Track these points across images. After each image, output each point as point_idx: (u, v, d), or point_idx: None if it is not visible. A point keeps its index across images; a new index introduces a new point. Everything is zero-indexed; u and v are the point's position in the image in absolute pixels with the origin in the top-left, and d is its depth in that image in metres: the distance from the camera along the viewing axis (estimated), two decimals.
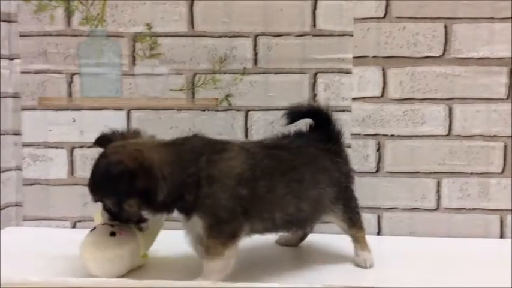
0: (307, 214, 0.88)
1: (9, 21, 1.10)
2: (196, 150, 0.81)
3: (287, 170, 0.85)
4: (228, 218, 0.79)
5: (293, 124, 0.96)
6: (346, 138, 1.09)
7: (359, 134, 1.12)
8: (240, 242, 0.82)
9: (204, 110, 1.12)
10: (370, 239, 1.09)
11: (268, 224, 0.85)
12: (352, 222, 0.94)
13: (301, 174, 0.86)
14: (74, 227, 1.14)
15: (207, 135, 0.86)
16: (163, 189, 0.78)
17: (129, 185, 0.76)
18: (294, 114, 0.96)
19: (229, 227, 0.80)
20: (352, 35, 1.09)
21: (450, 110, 1.11)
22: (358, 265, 0.93)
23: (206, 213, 0.79)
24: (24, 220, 1.15)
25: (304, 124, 0.97)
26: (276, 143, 0.91)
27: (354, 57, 1.10)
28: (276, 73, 1.11)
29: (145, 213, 0.81)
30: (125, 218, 0.83)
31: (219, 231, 0.79)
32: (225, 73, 1.11)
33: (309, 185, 0.86)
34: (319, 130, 0.95)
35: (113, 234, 0.83)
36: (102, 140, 0.85)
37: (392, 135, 1.11)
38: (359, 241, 0.95)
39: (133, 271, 0.87)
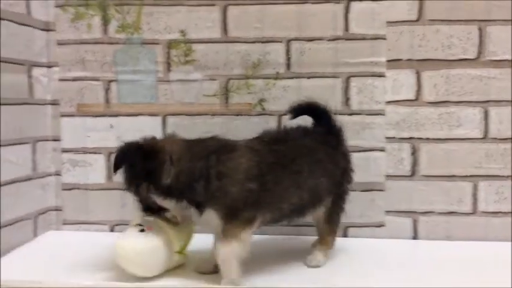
0: (308, 203, 0.92)
1: (48, 30, 1.13)
2: (209, 149, 0.86)
3: (288, 162, 0.90)
4: (241, 207, 0.84)
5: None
6: (380, 142, 1.12)
7: (393, 138, 1.11)
8: (254, 230, 0.86)
9: (237, 115, 1.14)
10: (406, 244, 1.11)
11: (276, 214, 0.90)
12: (330, 222, 0.98)
13: (300, 165, 0.90)
14: (112, 230, 1.16)
15: (224, 137, 0.90)
16: (169, 172, 0.83)
17: (139, 164, 0.83)
18: (296, 110, 1.00)
19: (244, 214, 0.84)
20: (385, 38, 1.09)
21: (486, 113, 1.09)
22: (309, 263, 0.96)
23: (219, 204, 0.84)
24: (64, 224, 1.17)
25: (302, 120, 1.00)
26: (275, 138, 0.95)
27: (388, 61, 1.10)
28: (308, 77, 1.12)
29: (154, 198, 0.85)
30: (146, 206, 0.87)
31: (235, 217, 0.84)
32: (258, 78, 1.12)
33: (307, 175, 0.91)
34: (317, 124, 1.00)
35: (142, 231, 0.86)
36: None
37: (427, 139, 1.11)
38: (326, 244, 0.98)
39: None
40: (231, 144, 0.89)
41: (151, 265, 0.86)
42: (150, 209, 0.88)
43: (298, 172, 0.90)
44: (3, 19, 0.99)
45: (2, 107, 0.99)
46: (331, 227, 0.99)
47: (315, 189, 0.92)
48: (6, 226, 1.00)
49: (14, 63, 1.04)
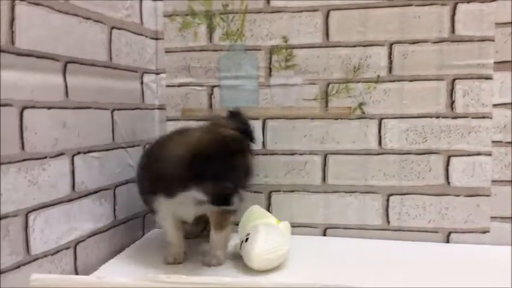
0: None
1: (157, 39, 1.19)
2: None
3: None
4: None
5: None
6: (487, 146, 1.09)
7: (500, 142, 1.08)
8: None
9: (337, 119, 1.14)
10: (508, 250, 1.07)
11: None
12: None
13: None
14: None
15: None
16: None
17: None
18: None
19: None
20: (493, 40, 1.06)
21: None
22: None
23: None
24: None
25: None
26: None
27: (495, 63, 1.07)
28: (411, 80, 1.11)
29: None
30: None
31: None
32: (358, 82, 1.13)
33: None
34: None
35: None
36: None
37: None
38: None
39: None
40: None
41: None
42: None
43: None
44: (122, 29, 1.06)
45: (120, 111, 1.05)
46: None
47: None
48: (120, 224, 1.07)
49: (130, 71, 1.11)
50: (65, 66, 0.87)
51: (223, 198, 0.89)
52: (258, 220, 1.00)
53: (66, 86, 0.87)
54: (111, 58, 1.02)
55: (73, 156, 0.89)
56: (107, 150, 1.00)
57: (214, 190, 0.87)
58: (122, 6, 1.06)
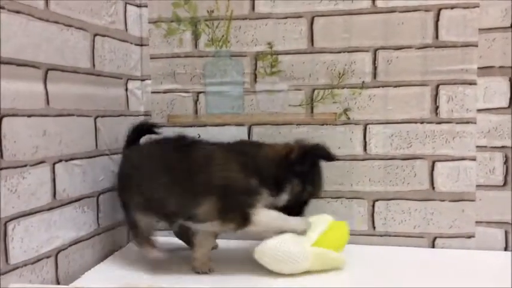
0: None
1: (142, 45, 1.19)
2: None
3: None
4: None
5: None
6: (471, 151, 1.09)
7: (485, 147, 1.08)
8: None
9: (322, 125, 1.14)
10: (497, 255, 1.07)
11: None
12: None
13: None
14: None
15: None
16: None
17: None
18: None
19: None
20: (477, 46, 1.07)
21: None
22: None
23: None
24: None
25: None
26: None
27: (479, 68, 1.07)
28: (395, 86, 1.11)
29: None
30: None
31: None
32: (343, 88, 1.13)
33: None
34: None
35: None
36: None
37: None
38: None
39: None
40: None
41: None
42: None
43: None
44: (106, 36, 1.06)
45: (103, 118, 1.05)
46: None
47: None
48: (104, 232, 1.06)
49: (114, 77, 1.10)
50: (46, 73, 0.86)
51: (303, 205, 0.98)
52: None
53: (47, 94, 0.87)
54: (94, 65, 1.01)
55: (54, 164, 0.88)
56: (90, 157, 1.00)
57: (298, 195, 0.95)
58: (105, 13, 1.05)
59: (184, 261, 0.99)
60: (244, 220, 0.89)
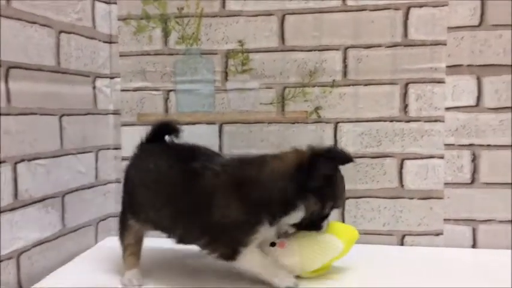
0: None
1: (110, 43, 1.17)
2: None
3: None
4: None
5: None
6: (439, 149, 1.10)
7: (453, 145, 1.09)
8: None
9: (293, 123, 1.14)
10: (465, 252, 1.09)
11: None
12: None
13: None
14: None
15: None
16: None
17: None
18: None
19: None
20: (445, 44, 1.08)
21: None
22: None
23: None
24: None
25: None
26: None
27: (447, 67, 1.08)
28: (365, 85, 1.11)
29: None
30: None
31: None
32: (314, 86, 1.13)
33: None
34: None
35: (272, 245, 0.89)
36: None
37: (488, 145, 1.08)
38: None
39: None
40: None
41: None
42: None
43: None
44: (72, 33, 1.04)
45: (69, 117, 1.03)
46: None
47: None
48: (70, 233, 1.04)
49: (81, 75, 1.08)
50: (7, 71, 0.84)
51: (320, 220, 0.88)
52: None
53: (8, 92, 0.85)
54: (59, 63, 0.99)
55: (15, 163, 0.86)
56: (55, 157, 0.98)
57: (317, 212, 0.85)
58: (71, 10, 1.03)
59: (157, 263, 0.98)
60: (231, 254, 0.84)
